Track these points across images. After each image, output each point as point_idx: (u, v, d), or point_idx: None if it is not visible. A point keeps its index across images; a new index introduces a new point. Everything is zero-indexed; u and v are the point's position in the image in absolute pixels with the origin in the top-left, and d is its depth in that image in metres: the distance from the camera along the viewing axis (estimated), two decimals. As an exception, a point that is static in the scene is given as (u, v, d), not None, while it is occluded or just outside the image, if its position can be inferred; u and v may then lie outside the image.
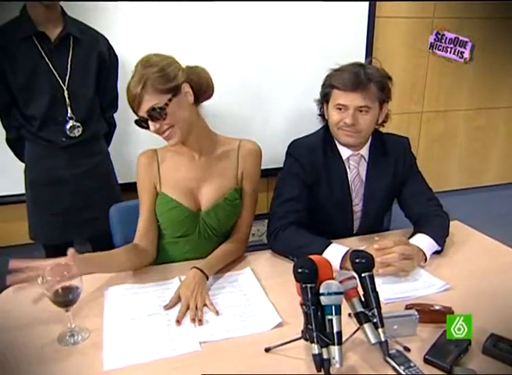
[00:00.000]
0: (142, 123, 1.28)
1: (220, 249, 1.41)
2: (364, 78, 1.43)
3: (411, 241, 1.40)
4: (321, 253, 1.34)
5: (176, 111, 1.27)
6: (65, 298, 1.04)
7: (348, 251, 1.33)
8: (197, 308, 1.14)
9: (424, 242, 1.39)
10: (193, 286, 1.20)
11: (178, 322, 1.11)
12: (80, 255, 1.18)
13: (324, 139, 1.58)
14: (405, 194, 1.63)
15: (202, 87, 1.37)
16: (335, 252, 1.34)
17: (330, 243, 1.38)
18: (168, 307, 1.18)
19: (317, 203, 1.58)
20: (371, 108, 1.47)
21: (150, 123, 1.26)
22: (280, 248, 1.47)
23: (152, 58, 1.27)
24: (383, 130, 1.65)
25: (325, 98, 1.56)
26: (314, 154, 1.55)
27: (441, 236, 1.46)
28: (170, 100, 1.25)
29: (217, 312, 1.15)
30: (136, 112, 1.27)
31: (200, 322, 1.11)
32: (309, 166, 1.54)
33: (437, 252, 1.45)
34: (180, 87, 1.28)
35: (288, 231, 1.46)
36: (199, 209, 1.42)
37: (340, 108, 1.48)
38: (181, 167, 1.41)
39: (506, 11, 2.65)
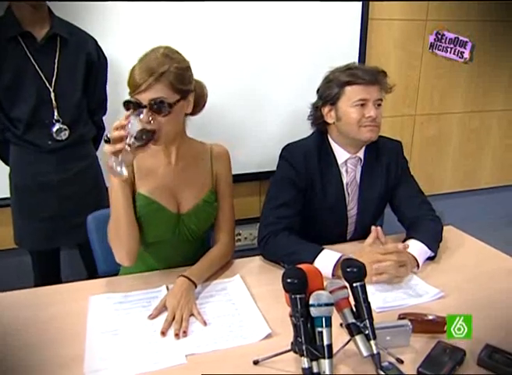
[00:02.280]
0: (132, 106, 1.17)
1: (208, 256, 1.37)
2: (377, 71, 1.45)
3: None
4: (312, 260, 1.31)
5: (176, 114, 1.23)
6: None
7: (341, 257, 1.30)
8: (182, 319, 1.10)
9: (416, 248, 1.37)
10: (179, 295, 1.16)
11: (163, 333, 1.07)
12: None
13: (319, 143, 1.56)
14: (398, 198, 1.61)
15: (200, 102, 1.35)
16: (327, 259, 1.31)
17: (322, 249, 1.35)
18: (152, 316, 1.14)
19: (310, 208, 1.54)
20: (382, 101, 1.48)
21: (145, 111, 1.16)
22: (271, 254, 1.44)
23: (176, 53, 1.24)
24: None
25: (333, 99, 1.50)
26: (308, 158, 1.52)
27: (434, 242, 1.43)
28: (178, 101, 1.21)
29: (204, 323, 1.11)
30: (133, 95, 1.18)
31: (185, 334, 1.07)
32: (303, 170, 1.51)
33: (430, 258, 1.42)
34: (189, 93, 1.26)
35: (279, 237, 1.42)
36: (178, 212, 1.37)
37: (361, 104, 1.45)
38: (157, 170, 1.34)
39: (499, 13, 2.64)
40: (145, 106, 1.16)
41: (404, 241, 1.42)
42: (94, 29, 1.79)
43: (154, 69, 1.15)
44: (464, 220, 1.78)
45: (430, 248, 1.39)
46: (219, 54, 2.16)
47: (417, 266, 1.35)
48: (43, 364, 0.99)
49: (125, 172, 1.13)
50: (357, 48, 2.41)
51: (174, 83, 1.18)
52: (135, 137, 1.11)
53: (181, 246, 1.41)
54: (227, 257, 1.43)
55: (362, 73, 1.44)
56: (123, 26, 1.98)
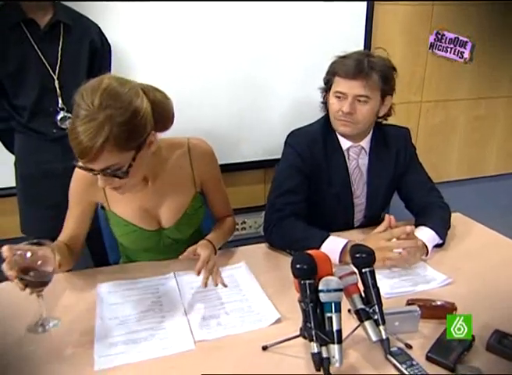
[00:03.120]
0: (87, 170, 1.05)
1: (221, 228, 1.42)
2: (366, 66, 1.39)
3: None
4: (319, 246, 1.31)
5: (137, 169, 1.08)
6: (36, 279, 0.97)
7: (347, 243, 1.30)
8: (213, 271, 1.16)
9: (426, 235, 1.36)
10: (210, 249, 1.22)
11: (199, 273, 1.13)
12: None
13: (324, 129, 1.54)
14: (406, 185, 1.60)
15: (167, 122, 1.17)
16: (333, 245, 1.31)
17: (328, 235, 1.35)
18: (183, 257, 1.19)
19: (316, 194, 1.54)
20: (371, 99, 1.43)
21: (100, 177, 1.05)
22: (277, 241, 1.44)
23: (119, 93, 1.00)
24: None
25: (327, 86, 1.51)
26: (314, 144, 1.51)
27: (443, 228, 1.43)
28: (134, 159, 1.05)
29: (224, 285, 1.16)
30: (80, 160, 1.02)
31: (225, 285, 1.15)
32: (309, 156, 1.50)
33: (438, 245, 1.42)
34: (147, 138, 1.07)
35: (285, 224, 1.42)
36: (160, 227, 1.33)
37: (339, 97, 1.44)
38: (131, 193, 1.22)
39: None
40: (98, 173, 1.04)
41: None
42: (95, 13, 1.76)
43: (97, 130, 0.96)
44: (469, 208, 1.77)
45: (439, 235, 1.39)
46: (220, 43, 2.13)
47: (427, 252, 1.34)
48: (53, 350, 0.99)
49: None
50: (363, 33, 2.37)
51: (123, 145, 1.00)
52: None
53: (168, 251, 1.38)
54: (234, 226, 1.50)
55: (348, 67, 1.40)
56: (123, 10, 1.95)
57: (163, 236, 1.35)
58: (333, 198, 1.55)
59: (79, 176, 1.25)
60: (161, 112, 1.12)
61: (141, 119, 1.03)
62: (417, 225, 1.42)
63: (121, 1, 1.91)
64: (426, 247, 1.34)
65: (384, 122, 1.61)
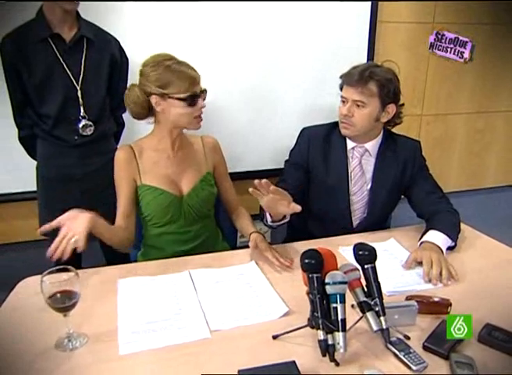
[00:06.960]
0: (193, 98, 1.44)
1: (247, 217, 1.69)
2: (366, 75, 1.53)
3: (425, 237, 1.47)
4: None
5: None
6: (63, 304, 1.02)
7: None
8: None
9: (439, 238, 1.45)
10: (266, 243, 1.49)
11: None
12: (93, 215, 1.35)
13: (332, 127, 1.69)
14: (416, 194, 1.68)
15: None
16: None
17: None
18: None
19: (314, 184, 1.68)
20: (368, 104, 1.56)
21: (200, 100, 1.47)
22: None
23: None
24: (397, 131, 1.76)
25: (341, 91, 1.66)
26: (314, 140, 1.68)
27: (454, 232, 1.52)
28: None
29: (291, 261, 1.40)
30: (190, 89, 1.43)
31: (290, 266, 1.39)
32: (306, 152, 1.67)
33: (451, 248, 1.50)
34: None
35: None
36: (181, 195, 1.56)
37: (344, 101, 1.60)
38: (159, 162, 1.55)
39: (506, 15, 2.70)
40: (199, 96, 1.47)
41: (425, 232, 1.51)
42: (112, 30, 1.85)
43: (193, 69, 1.46)
44: (468, 219, 1.84)
45: (451, 238, 1.48)
46: (230, 51, 2.22)
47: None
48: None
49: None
50: (366, 49, 2.47)
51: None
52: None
53: (190, 225, 1.60)
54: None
55: (351, 76, 1.56)
56: (138, 27, 2.05)
57: (184, 203, 1.56)
58: (329, 189, 1.67)
59: (118, 156, 1.54)
60: None
61: None
62: (428, 229, 1.51)
63: (135, 0, 2.02)
64: (441, 250, 1.42)
65: (397, 132, 1.74)
